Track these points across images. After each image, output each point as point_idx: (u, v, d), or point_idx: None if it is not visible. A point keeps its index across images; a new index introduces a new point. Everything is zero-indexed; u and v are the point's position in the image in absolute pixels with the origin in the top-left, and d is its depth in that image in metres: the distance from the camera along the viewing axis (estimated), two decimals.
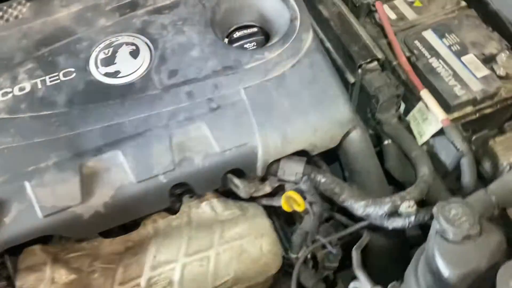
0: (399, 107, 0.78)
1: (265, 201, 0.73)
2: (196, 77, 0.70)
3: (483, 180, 0.73)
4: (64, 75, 0.70)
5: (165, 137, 0.64)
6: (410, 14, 0.84)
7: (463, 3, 0.85)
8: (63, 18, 0.76)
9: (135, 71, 0.70)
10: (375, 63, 0.77)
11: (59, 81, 0.69)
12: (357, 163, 0.72)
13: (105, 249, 0.67)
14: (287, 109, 0.67)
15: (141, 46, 0.73)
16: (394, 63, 0.79)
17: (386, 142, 0.77)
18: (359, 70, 0.77)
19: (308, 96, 0.68)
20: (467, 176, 0.69)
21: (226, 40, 0.79)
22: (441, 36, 0.80)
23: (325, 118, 0.67)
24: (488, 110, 0.74)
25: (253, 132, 0.65)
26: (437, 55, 0.77)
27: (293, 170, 0.68)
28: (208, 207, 0.71)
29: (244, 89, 0.69)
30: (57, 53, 0.72)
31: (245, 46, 0.78)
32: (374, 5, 0.82)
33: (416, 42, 0.79)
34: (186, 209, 0.71)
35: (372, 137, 0.75)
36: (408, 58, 0.77)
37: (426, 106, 0.73)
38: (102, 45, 0.73)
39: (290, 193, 0.67)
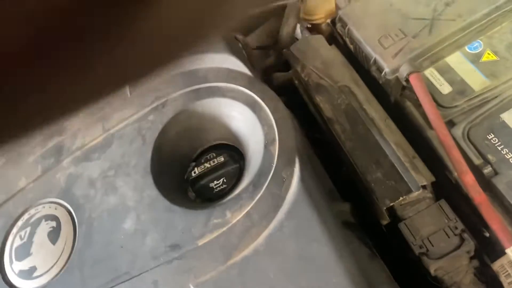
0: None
1: None
2: (129, 271, 0.47)
3: None
4: None
5: None
6: (476, 80, 0.49)
7: None
8: None
9: (53, 266, 0.49)
10: (417, 193, 0.46)
11: None
12: None
13: None
14: None
15: (62, 220, 0.52)
16: (454, 177, 0.46)
17: None
18: (388, 217, 0.46)
19: None
20: None
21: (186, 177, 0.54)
22: None
23: None
24: None
25: None
26: None
27: None
28: None
29: (195, 287, 0.44)
30: None
31: (210, 185, 0.52)
32: (407, 80, 0.49)
33: (491, 136, 0.45)
34: None
35: None
36: (478, 170, 0.44)
37: None
38: (20, 223, 0.54)
39: None
